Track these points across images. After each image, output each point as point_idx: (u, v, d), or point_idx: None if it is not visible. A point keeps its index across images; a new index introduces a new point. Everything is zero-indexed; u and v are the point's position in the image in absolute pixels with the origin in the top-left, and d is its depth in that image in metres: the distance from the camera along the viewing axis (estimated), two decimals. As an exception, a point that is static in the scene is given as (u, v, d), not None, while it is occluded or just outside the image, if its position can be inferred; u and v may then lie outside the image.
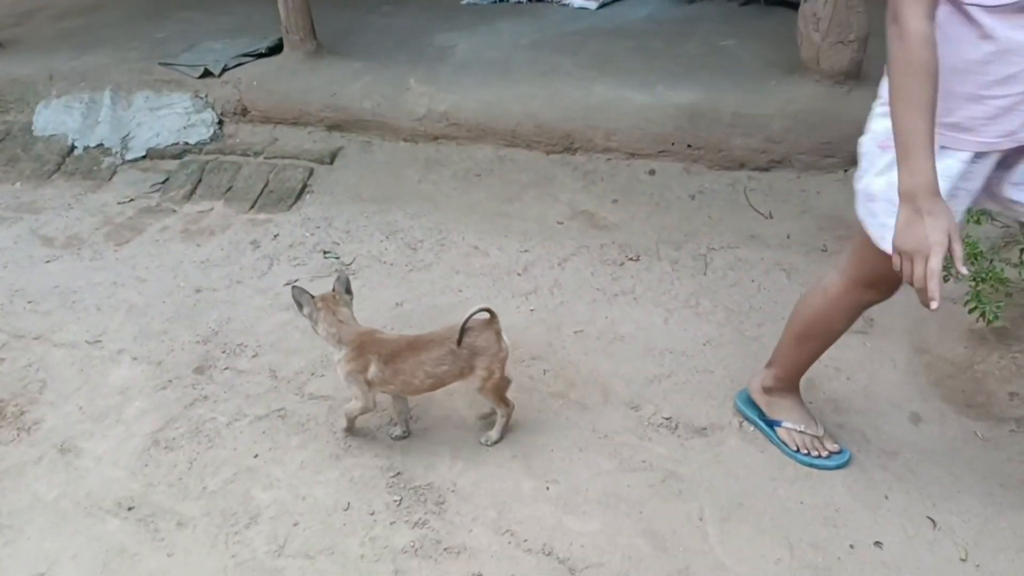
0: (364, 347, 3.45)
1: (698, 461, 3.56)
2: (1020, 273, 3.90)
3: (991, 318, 3.78)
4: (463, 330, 3.33)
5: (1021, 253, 3.87)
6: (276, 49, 6.31)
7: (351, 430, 3.69)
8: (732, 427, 3.71)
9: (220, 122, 6.05)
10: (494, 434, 3.64)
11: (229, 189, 5.53)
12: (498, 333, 3.40)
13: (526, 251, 4.90)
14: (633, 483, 3.47)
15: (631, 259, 4.80)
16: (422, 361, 3.39)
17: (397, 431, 3.70)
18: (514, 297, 4.56)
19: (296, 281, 4.69)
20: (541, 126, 5.65)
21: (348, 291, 3.62)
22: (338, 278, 3.64)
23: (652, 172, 5.49)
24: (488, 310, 3.36)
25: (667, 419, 3.77)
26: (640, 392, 3.92)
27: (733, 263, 4.72)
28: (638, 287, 4.60)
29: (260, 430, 3.78)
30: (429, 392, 3.58)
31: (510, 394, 3.83)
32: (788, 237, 4.88)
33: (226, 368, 4.13)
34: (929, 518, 3.25)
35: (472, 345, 3.37)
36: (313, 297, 3.52)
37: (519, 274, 4.73)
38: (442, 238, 5.04)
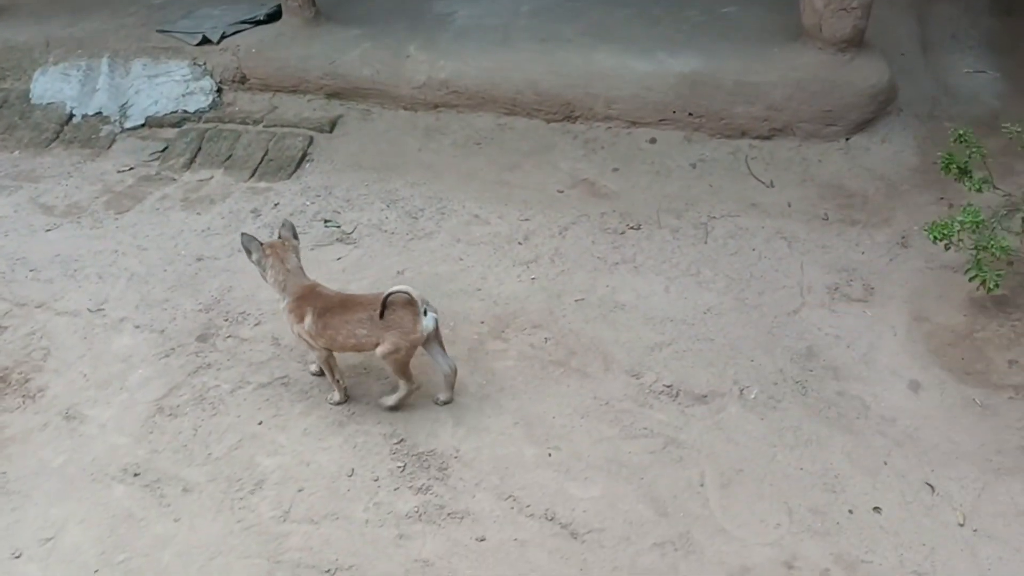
0: (304, 299, 3.57)
1: (699, 428, 3.59)
2: (1022, 241, 3.91)
3: (991, 286, 3.80)
4: (385, 303, 3.43)
5: (1023, 221, 3.88)
6: (275, 16, 6.24)
7: (333, 378, 3.71)
8: (732, 394, 3.74)
9: (219, 90, 6.00)
10: (390, 400, 3.68)
11: (229, 157, 5.51)
12: (415, 315, 3.46)
13: (527, 219, 4.89)
14: (634, 450, 3.50)
15: (632, 228, 4.80)
16: (347, 320, 3.51)
17: (312, 368, 3.82)
18: (515, 266, 4.56)
19: (297, 250, 4.68)
20: (541, 94, 5.61)
21: (295, 236, 3.72)
22: (283, 224, 3.73)
23: (653, 140, 5.46)
24: (408, 293, 3.43)
25: (668, 387, 3.80)
26: (641, 360, 3.94)
27: (734, 231, 4.72)
28: (639, 255, 4.60)
29: (264, 397, 3.81)
30: (353, 352, 3.66)
31: (509, 361, 3.89)
32: (789, 206, 4.87)
33: (229, 336, 4.14)
34: (928, 484, 3.29)
35: (388, 318, 3.46)
36: (262, 244, 3.61)
37: (520, 243, 4.73)
38: (443, 207, 5.03)
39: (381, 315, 3.41)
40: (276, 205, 5.07)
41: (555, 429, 3.61)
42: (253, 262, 3.63)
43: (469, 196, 5.10)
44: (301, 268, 3.66)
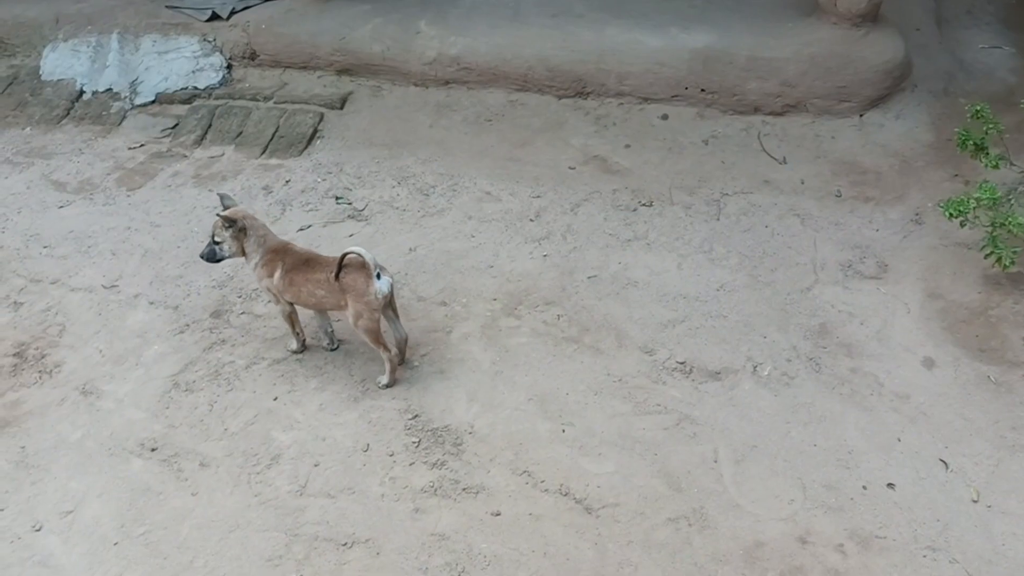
0: (276, 254, 3.68)
1: (712, 404, 3.60)
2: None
3: (1007, 263, 3.79)
4: (340, 265, 3.51)
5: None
6: (285, -9, 6.20)
7: (293, 330, 3.85)
8: (746, 371, 3.74)
9: (229, 66, 5.98)
10: (383, 378, 3.73)
11: (240, 134, 5.50)
12: (368, 278, 3.51)
13: (538, 196, 4.88)
14: (648, 426, 3.52)
15: (644, 204, 4.79)
16: (308, 279, 3.62)
17: (324, 342, 3.92)
18: (527, 243, 4.56)
19: (310, 227, 4.69)
20: (553, 70, 5.58)
21: (233, 205, 3.79)
22: (222, 196, 3.79)
23: (665, 117, 5.43)
24: (360, 254, 3.49)
25: (681, 363, 3.80)
26: (654, 336, 3.94)
27: (746, 208, 4.70)
28: (651, 232, 4.59)
29: (278, 373, 3.83)
30: (316, 309, 3.78)
31: (522, 338, 3.90)
32: (802, 182, 4.85)
33: (243, 312, 4.16)
34: (941, 460, 3.29)
35: (343, 281, 3.53)
36: (231, 217, 3.66)
37: (532, 220, 4.72)
38: (454, 183, 5.02)
39: (336, 276, 3.50)
40: (287, 182, 5.07)
41: (568, 405, 3.63)
42: (238, 228, 3.65)
43: (480, 173, 5.09)
44: (266, 228, 3.78)
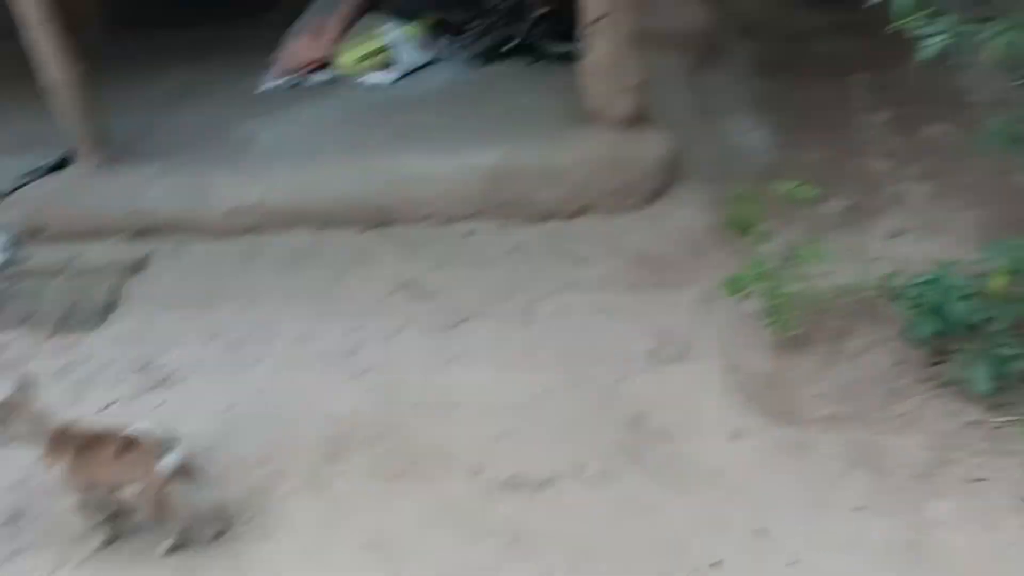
0: (61, 439, 3.48)
1: (543, 515, 3.61)
2: (805, 285, 4.22)
3: (788, 330, 4.09)
4: (125, 443, 3.39)
5: (800, 266, 4.22)
6: (67, 161, 6.03)
7: (92, 519, 3.59)
8: (572, 474, 3.79)
9: (15, 246, 5.70)
10: (164, 544, 3.54)
11: (31, 316, 5.20)
12: (153, 455, 3.37)
13: (355, 330, 4.86)
14: (482, 552, 3.48)
15: (461, 321, 4.86)
16: (96, 458, 3.43)
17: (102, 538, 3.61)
18: (348, 380, 4.51)
19: (115, 403, 4.46)
20: (355, 204, 5.68)
21: (32, 388, 3.56)
22: (18, 380, 3.56)
23: (470, 234, 5.60)
24: (144, 432, 3.40)
25: (511, 477, 3.82)
26: (481, 454, 3.95)
27: (557, 311, 4.86)
28: (470, 348, 4.66)
29: (89, 573, 3.54)
30: (110, 491, 3.53)
31: (350, 482, 3.83)
32: (604, 279, 5.07)
33: (43, 512, 3.84)
34: (759, 529, 3.42)
35: (129, 457, 3.39)
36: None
37: (351, 355, 4.69)
38: (267, 331, 4.93)
39: (122, 453, 3.37)
40: (87, 359, 4.81)
41: (402, 545, 3.55)
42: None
43: (294, 315, 5.03)
44: (46, 411, 3.55)
